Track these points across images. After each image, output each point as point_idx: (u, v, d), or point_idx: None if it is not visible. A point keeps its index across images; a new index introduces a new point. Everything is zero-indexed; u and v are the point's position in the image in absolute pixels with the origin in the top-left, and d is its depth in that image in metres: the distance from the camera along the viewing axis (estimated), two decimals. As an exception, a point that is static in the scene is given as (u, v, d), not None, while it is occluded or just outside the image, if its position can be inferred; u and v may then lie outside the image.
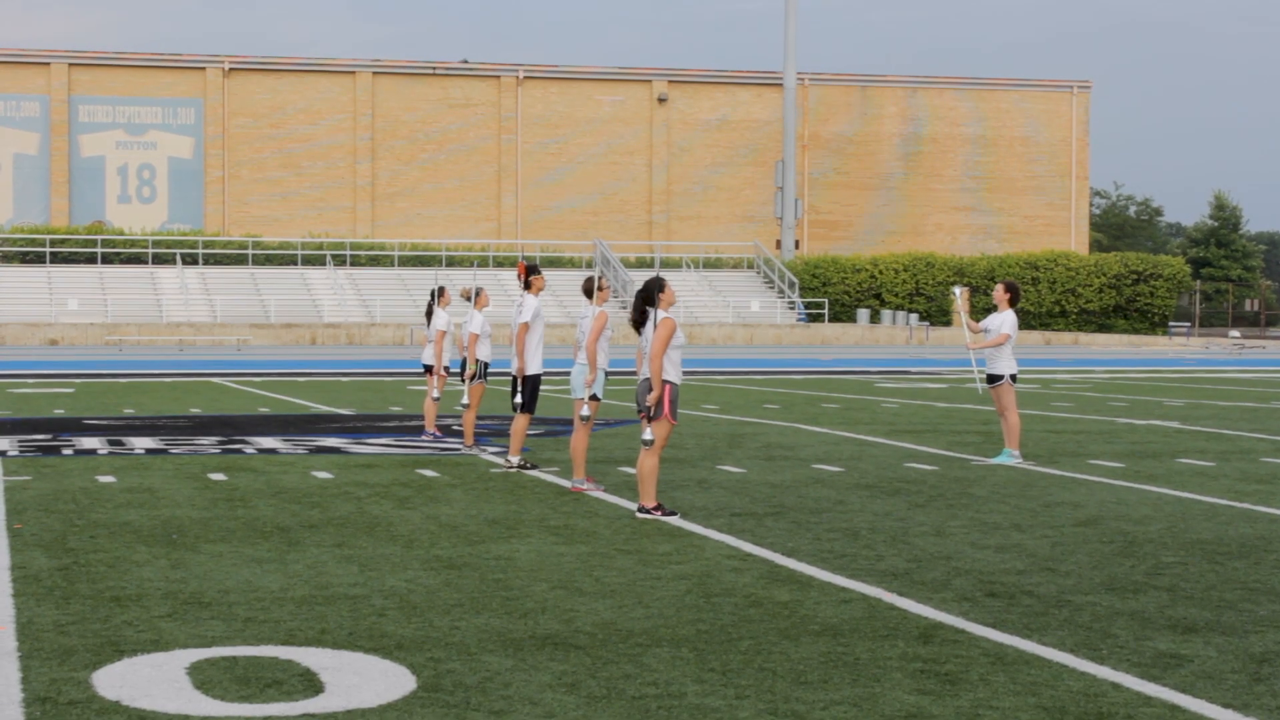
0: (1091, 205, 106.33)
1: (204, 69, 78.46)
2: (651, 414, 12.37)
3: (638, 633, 8.19)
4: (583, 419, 13.91)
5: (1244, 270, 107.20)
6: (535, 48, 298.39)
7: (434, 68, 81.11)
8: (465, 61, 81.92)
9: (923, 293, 74.21)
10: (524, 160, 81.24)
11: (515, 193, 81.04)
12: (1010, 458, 16.77)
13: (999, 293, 17.29)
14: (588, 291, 14.63)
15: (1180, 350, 62.32)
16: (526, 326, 15.53)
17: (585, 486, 14.11)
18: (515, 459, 15.89)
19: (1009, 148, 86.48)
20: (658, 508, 12.46)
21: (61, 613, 8.65)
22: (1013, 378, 16.99)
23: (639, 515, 12.44)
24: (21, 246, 69.69)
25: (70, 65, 77.06)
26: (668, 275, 73.55)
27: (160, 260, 69.75)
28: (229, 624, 8.37)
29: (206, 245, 70.49)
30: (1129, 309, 76.12)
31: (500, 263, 73.68)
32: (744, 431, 20.69)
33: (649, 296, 12.54)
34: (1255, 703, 6.89)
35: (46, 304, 63.81)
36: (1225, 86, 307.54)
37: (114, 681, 7.15)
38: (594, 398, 14.23)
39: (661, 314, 12.51)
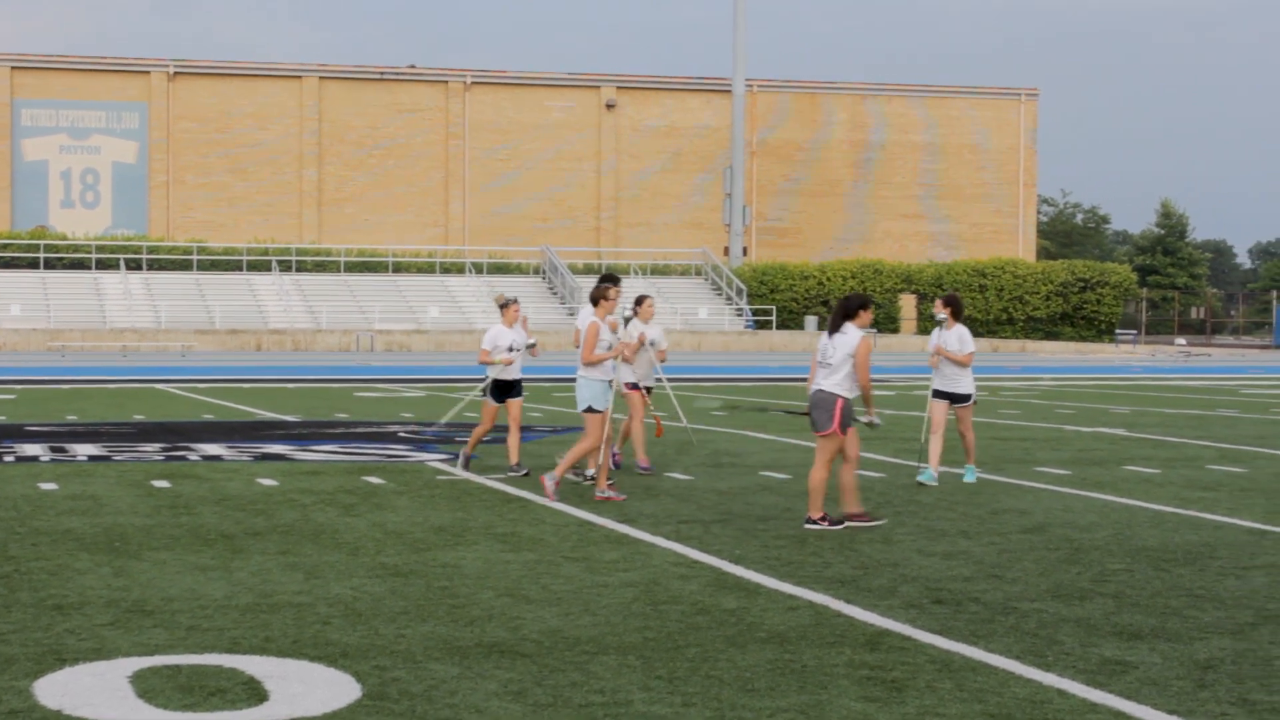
0: (1039, 213, 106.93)
1: (148, 73, 77.93)
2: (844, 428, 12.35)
3: (584, 640, 8.16)
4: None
5: (1190, 278, 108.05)
6: (483, 53, 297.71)
7: (381, 73, 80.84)
8: (413, 66, 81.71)
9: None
10: (472, 166, 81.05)
11: (463, 199, 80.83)
12: (974, 474, 16.27)
13: (941, 306, 16.19)
14: (594, 300, 14.47)
15: (1127, 358, 62.75)
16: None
17: (609, 495, 13.95)
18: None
19: (957, 155, 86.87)
20: (823, 518, 12.35)
21: (2, 621, 8.55)
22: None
23: (806, 526, 12.29)
24: (-37, 251, 69.04)
25: (13, 69, 76.39)
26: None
27: (104, 265, 69.22)
28: (172, 632, 8.30)
29: (151, 250, 70.01)
30: (1076, 316, 76.57)
31: (447, 269, 73.48)
32: (691, 438, 20.66)
33: (850, 312, 12.48)
34: (1200, 709, 6.92)
35: (-11, 309, 63.23)
36: (1172, 95, 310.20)
37: (55, 690, 7.08)
38: (591, 409, 14.05)
39: (858, 332, 12.42)
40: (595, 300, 14.48)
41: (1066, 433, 22.18)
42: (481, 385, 16.54)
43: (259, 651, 7.88)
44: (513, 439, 16.24)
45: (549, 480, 14.03)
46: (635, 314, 15.95)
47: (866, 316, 12.58)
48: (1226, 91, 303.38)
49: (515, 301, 16.57)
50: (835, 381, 12.37)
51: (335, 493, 14.43)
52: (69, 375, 39.30)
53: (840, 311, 12.56)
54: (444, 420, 18.74)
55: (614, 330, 14.56)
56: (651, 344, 16.04)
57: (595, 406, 14.09)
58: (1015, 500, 14.21)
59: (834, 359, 12.39)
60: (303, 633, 8.31)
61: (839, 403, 12.32)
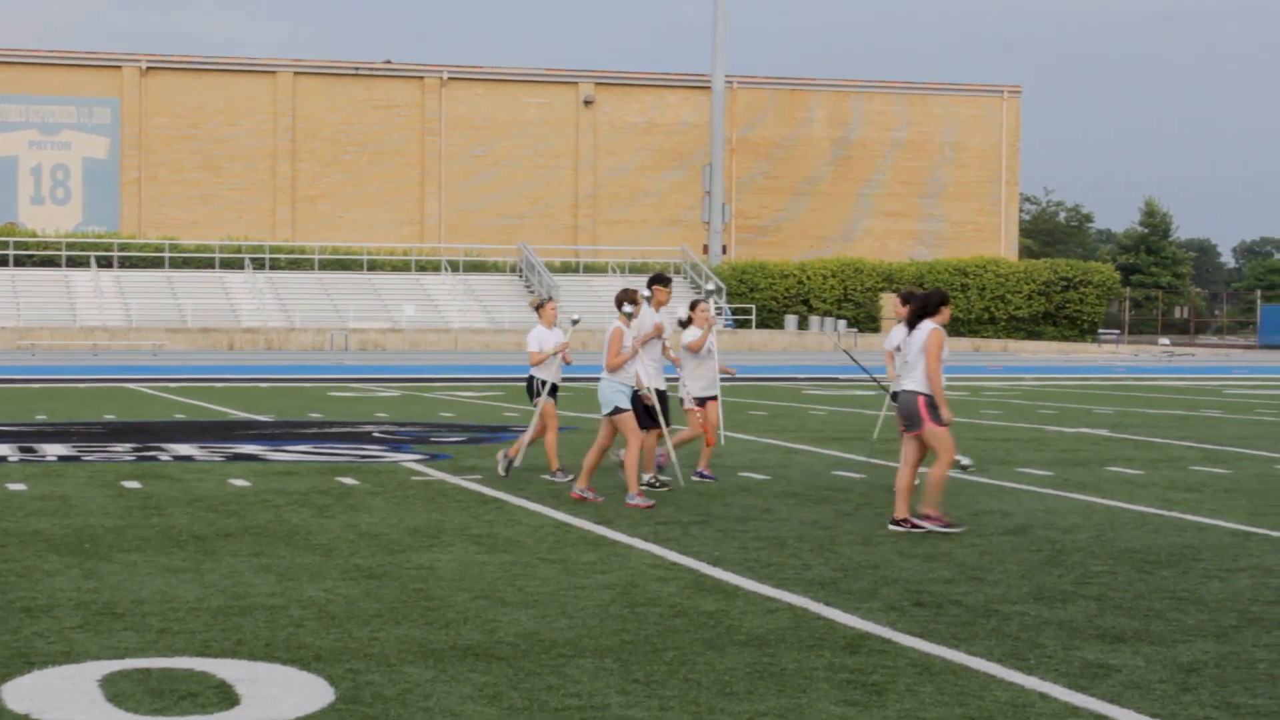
0: (1021, 211, 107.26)
1: (120, 68, 77.61)
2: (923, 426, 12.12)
3: (561, 643, 8.07)
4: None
5: (1174, 277, 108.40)
6: (460, 49, 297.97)
7: (357, 68, 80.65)
8: (389, 62, 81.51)
9: (851, 299, 74.49)
10: (448, 163, 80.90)
11: (439, 196, 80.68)
12: None
13: (902, 303, 14.98)
14: (619, 303, 14.16)
15: (1110, 358, 62.87)
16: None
17: (586, 495, 13.78)
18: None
19: (939, 153, 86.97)
20: (927, 517, 12.16)
21: (-32, 624, 8.42)
22: None
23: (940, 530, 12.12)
24: (-64, 248, 68.67)
25: (-15, 64, 76.05)
26: (593, 280, 73.41)
27: (74, 263, 68.93)
28: (143, 635, 8.20)
29: (122, 248, 69.73)
30: (1058, 316, 76.70)
31: (423, 267, 73.33)
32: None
33: (929, 308, 12.30)
34: (1183, 713, 6.85)
35: (-40, 306, 62.90)
36: (1156, 93, 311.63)
37: (23, 695, 6.98)
38: (617, 410, 13.77)
39: (931, 325, 12.23)
40: (619, 303, 13.98)
41: (1049, 433, 22.15)
42: (544, 393, 15.58)
43: (231, 655, 7.78)
44: (550, 437, 15.71)
45: (636, 500, 13.57)
46: (690, 319, 15.68)
47: (947, 312, 12.38)
48: (1211, 90, 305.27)
49: (550, 300, 16.04)
50: (914, 378, 12.21)
51: (309, 493, 14.31)
52: (39, 374, 39.10)
53: (919, 308, 12.34)
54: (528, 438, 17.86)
55: (660, 333, 14.38)
56: (708, 350, 15.77)
57: (621, 406, 13.73)
58: (997, 501, 14.14)
59: (910, 355, 12.25)
60: (275, 635, 8.21)
61: (920, 400, 12.15)
